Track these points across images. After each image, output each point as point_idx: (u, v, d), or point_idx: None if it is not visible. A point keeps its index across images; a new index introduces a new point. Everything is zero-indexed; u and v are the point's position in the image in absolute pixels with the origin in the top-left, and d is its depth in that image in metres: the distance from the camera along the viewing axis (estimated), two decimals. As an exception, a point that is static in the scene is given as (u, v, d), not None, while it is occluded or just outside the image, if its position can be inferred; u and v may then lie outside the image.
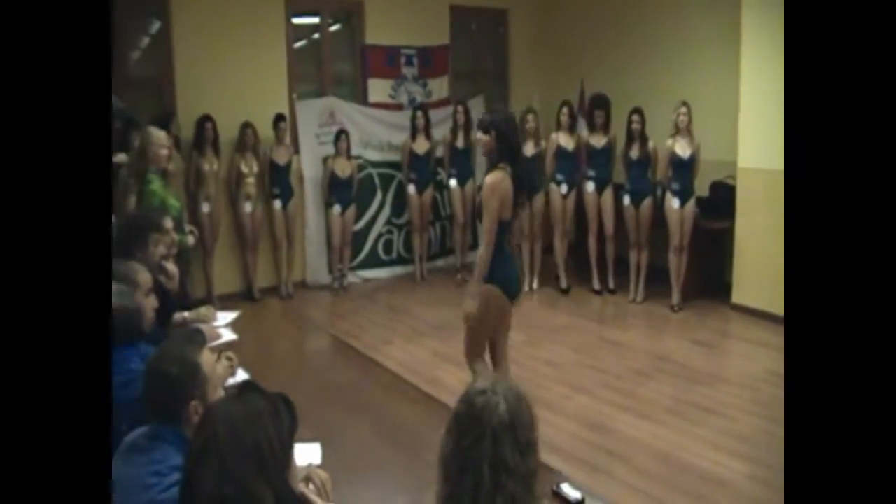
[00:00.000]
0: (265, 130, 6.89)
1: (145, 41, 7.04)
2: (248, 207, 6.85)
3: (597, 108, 6.80)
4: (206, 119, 6.52)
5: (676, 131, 6.26)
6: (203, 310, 3.91)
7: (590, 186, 6.87)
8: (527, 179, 3.86)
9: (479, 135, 3.76)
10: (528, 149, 7.01)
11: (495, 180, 3.56)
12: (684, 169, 6.25)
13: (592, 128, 6.88)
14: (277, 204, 7.02)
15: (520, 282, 3.96)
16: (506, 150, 3.64)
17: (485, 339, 3.83)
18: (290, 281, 7.25)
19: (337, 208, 7.21)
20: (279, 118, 6.93)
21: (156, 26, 6.88)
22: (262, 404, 1.50)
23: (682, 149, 6.23)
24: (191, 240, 4.60)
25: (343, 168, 7.17)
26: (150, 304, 2.83)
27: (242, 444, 1.39)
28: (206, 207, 6.58)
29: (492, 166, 3.66)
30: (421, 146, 7.47)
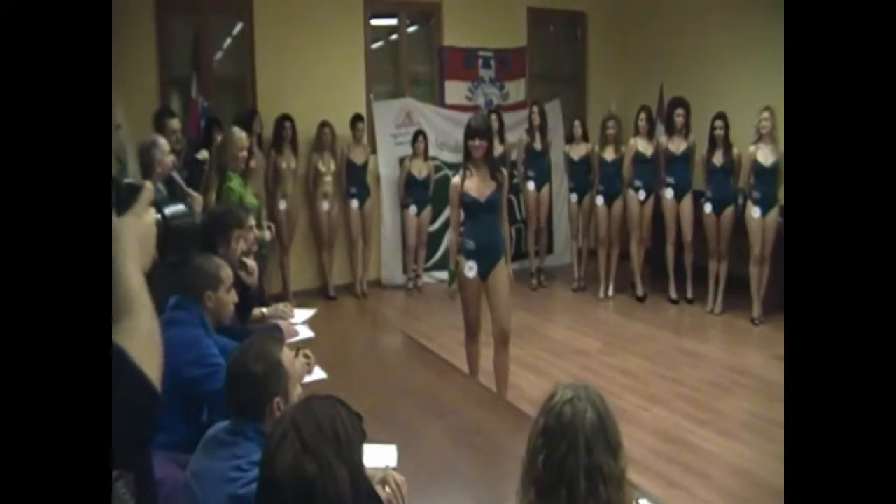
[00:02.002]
0: (343, 130, 6.95)
1: (228, 42, 7.20)
2: (324, 206, 6.93)
3: (677, 107, 6.65)
4: (284, 118, 6.63)
5: (759, 138, 6.07)
6: (281, 306, 3.99)
7: (668, 193, 6.72)
8: None
9: (476, 141, 4.18)
10: (608, 154, 6.92)
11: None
12: (766, 177, 6.04)
13: (671, 130, 6.72)
14: (354, 203, 7.07)
15: None
16: (490, 152, 4.32)
17: None
18: (365, 280, 7.32)
19: (413, 209, 7.23)
20: (357, 118, 6.99)
21: (238, 27, 7.04)
22: (338, 404, 1.53)
23: (765, 156, 6.03)
24: (267, 235, 4.68)
25: (420, 169, 7.20)
26: (231, 299, 2.89)
27: (322, 428, 1.42)
28: (283, 205, 6.68)
29: (493, 168, 4.32)
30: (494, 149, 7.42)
